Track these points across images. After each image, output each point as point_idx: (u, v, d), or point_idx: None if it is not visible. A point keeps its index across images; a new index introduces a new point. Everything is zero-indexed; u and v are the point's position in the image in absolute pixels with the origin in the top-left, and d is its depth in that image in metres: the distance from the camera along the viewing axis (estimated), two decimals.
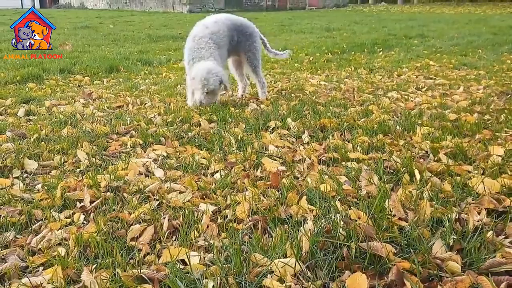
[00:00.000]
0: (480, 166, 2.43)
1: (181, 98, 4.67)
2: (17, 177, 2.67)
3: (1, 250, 1.81)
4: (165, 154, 2.96)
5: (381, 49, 8.85)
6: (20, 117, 4.05)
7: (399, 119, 3.50)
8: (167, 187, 2.36)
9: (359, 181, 2.30)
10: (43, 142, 3.24)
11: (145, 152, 3.06)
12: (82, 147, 3.12)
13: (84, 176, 2.59)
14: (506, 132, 3.06)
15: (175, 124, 3.64)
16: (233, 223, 1.93)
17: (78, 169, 2.75)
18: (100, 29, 14.21)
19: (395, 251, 1.59)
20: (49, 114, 4.17)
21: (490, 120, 3.41)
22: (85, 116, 4.04)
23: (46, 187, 2.45)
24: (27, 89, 5.21)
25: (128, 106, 4.36)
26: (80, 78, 5.98)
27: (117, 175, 2.56)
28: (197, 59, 4.07)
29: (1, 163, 2.83)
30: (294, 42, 10.58)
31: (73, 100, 4.69)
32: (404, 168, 2.39)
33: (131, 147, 3.15)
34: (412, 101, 4.27)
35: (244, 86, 4.86)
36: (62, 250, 1.76)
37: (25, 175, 2.72)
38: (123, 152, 3.07)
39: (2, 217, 2.08)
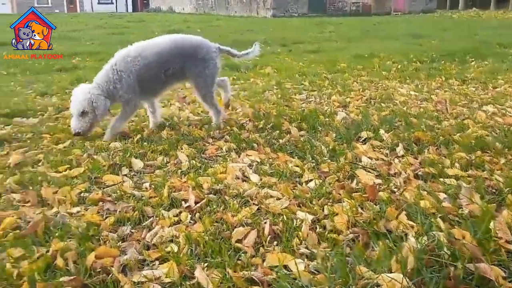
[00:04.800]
0: None
1: (269, 105, 4.79)
2: (125, 175, 2.91)
3: (121, 242, 2.00)
4: (258, 160, 3.08)
5: (473, 59, 8.45)
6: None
7: (498, 135, 3.36)
8: (265, 193, 2.47)
9: (459, 199, 2.26)
10: (145, 143, 3.49)
11: (239, 157, 3.19)
12: (182, 149, 3.32)
13: (186, 177, 2.78)
14: None
15: (266, 131, 3.75)
16: (333, 234, 1.99)
17: (180, 170, 2.94)
18: (188, 33, 14.81)
19: (504, 275, 1.56)
20: (148, 116, 4.46)
21: None
22: (181, 119, 4.28)
23: (153, 186, 2.65)
24: None
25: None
26: None
27: (217, 178, 2.71)
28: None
29: (111, 160, 3.10)
30: (380, 48, 10.38)
31: (169, 103, 4.98)
32: (508, 189, 2.31)
33: (226, 152, 3.30)
34: (511, 116, 4.07)
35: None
36: (174, 247, 1.92)
37: (132, 173, 2.95)
38: (219, 156, 3.23)
39: (118, 211, 2.29)
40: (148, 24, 19.83)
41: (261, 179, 2.72)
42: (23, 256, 1.86)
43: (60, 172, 2.93)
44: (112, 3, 43.68)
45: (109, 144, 3.45)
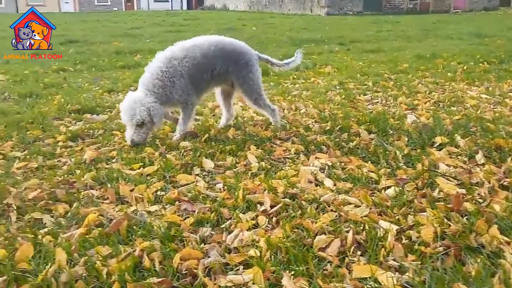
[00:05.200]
0: None
1: (334, 105, 4.71)
2: (197, 174, 2.93)
3: (202, 244, 2.00)
4: (329, 164, 3.01)
5: None
6: None
7: None
8: (342, 199, 2.40)
9: None
10: (213, 142, 3.51)
11: (308, 160, 3.14)
12: (250, 150, 3.30)
13: (257, 178, 2.76)
14: None
15: (334, 133, 3.67)
16: (420, 246, 1.90)
17: (250, 172, 2.93)
18: (244, 31, 14.88)
19: None
20: (213, 115, 4.50)
21: None
22: (245, 119, 4.28)
23: (226, 187, 2.65)
24: None
25: (283, 112, 4.51)
26: None
27: (290, 181, 2.67)
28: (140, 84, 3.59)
29: (183, 160, 3.13)
30: (442, 48, 9.99)
31: (232, 103, 4.99)
32: None
33: (294, 154, 3.26)
34: None
35: (228, 117, 4.08)
36: (256, 252, 1.89)
37: (204, 173, 2.97)
38: (287, 158, 3.19)
39: (196, 212, 2.30)
40: (204, 22, 20.10)
41: (335, 184, 2.66)
42: (111, 254, 1.89)
43: (134, 170, 2.99)
44: (167, 1, 44.68)
45: (179, 143, 3.49)
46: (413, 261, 1.81)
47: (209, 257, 1.88)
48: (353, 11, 26.32)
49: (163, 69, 3.50)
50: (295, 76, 6.70)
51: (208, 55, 3.60)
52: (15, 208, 2.46)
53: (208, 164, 3.05)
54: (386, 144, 3.36)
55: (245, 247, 1.97)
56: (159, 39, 12.31)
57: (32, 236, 2.09)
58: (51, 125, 4.14)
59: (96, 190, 2.70)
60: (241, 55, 3.72)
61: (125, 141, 3.57)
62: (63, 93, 5.53)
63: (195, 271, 1.76)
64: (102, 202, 2.53)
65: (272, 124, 3.94)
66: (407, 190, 2.51)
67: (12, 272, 1.77)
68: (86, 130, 3.96)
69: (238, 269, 1.81)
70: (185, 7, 45.53)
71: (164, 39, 11.97)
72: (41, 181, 2.85)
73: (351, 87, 5.75)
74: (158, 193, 2.62)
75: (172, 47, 3.64)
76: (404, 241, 1.97)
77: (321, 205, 2.35)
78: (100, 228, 2.16)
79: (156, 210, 2.40)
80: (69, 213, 2.39)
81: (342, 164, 3.02)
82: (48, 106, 4.88)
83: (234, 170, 2.99)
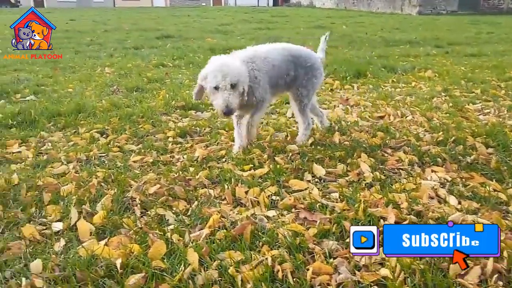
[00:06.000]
0: None
1: (442, 114, 4.47)
2: (309, 181, 2.89)
3: (331, 259, 1.95)
4: (449, 179, 2.85)
5: None
6: (289, 118, 4.40)
7: None
8: (472, 220, 2.25)
9: None
10: (319, 147, 3.45)
11: (423, 172, 2.99)
12: (360, 157, 3.21)
13: (373, 189, 2.68)
14: None
15: (448, 145, 3.48)
16: None
17: (364, 182, 2.84)
18: (334, 29, 14.65)
19: None
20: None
21: None
22: (349, 123, 4.17)
23: (343, 197, 2.58)
24: None
25: (389, 118, 4.35)
26: (331, 82, 6.22)
27: (412, 196, 2.55)
28: None
29: (292, 164, 3.11)
30: None
31: (333, 106, 4.90)
32: None
33: (408, 165, 3.12)
34: None
35: (320, 119, 3.98)
36: (391, 272, 1.82)
37: (315, 180, 2.92)
38: (401, 169, 3.06)
39: (318, 223, 2.26)
40: (291, 20, 20.08)
41: (459, 202, 2.51)
42: (242, 260, 1.90)
43: (245, 171, 3.01)
44: None
45: (285, 146, 3.46)
46: None
47: (339, 273, 1.83)
48: (447, 10, 25.02)
49: (249, 62, 3.30)
50: (394, 80, 6.46)
51: (285, 60, 3.54)
52: (139, 202, 2.57)
53: (320, 170, 3.00)
54: (508, 160, 3.12)
55: (375, 265, 1.90)
56: (250, 36, 12.43)
57: (161, 233, 2.16)
58: (160, 120, 4.30)
59: (213, 189, 2.74)
60: (307, 59, 3.63)
61: (231, 141, 3.58)
62: (167, 89, 5.73)
63: (328, 287, 1.72)
64: (220, 203, 2.57)
65: (298, 137, 3.68)
66: None
67: (150, 269, 1.83)
68: (193, 127, 4.07)
69: None
70: (271, 3, 45.89)
71: (255, 36, 12.09)
72: (158, 176, 2.95)
73: (457, 95, 5.42)
74: (274, 197, 2.61)
75: (250, 48, 3.52)
76: None
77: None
78: (224, 230, 2.19)
79: (273, 216, 2.39)
80: (190, 211, 2.45)
81: (463, 180, 2.84)
82: (154, 100, 5.08)
83: (347, 178, 2.91)
